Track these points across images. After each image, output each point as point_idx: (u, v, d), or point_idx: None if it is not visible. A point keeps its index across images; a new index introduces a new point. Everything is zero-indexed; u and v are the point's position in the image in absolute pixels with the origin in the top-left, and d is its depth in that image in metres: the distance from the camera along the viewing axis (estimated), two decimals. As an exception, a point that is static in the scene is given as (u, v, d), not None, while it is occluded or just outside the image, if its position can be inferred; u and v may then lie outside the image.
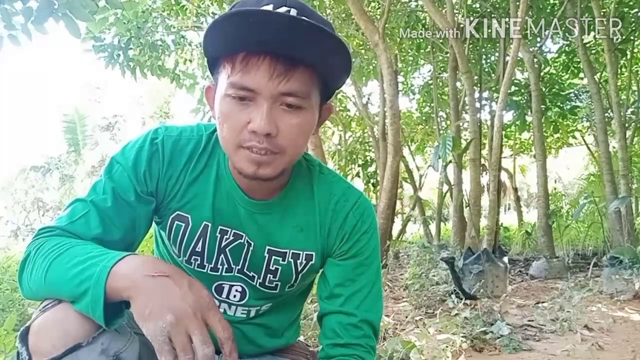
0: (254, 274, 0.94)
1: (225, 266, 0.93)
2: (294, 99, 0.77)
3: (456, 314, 2.87)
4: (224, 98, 0.78)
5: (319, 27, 0.72)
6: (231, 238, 0.91)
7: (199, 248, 0.91)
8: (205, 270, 0.93)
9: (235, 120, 0.77)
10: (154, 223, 0.94)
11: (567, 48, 7.95)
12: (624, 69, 7.74)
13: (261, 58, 0.75)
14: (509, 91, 5.97)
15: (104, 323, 0.67)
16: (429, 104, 9.13)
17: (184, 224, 0.90)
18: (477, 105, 6.39)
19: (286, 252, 0.92)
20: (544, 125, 7.51)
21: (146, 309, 0.65)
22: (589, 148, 10.48)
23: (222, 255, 0.92)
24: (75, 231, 0.79)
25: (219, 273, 0.94)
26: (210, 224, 0.90)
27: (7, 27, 3.20)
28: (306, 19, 0.73)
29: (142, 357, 0.76)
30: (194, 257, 0.92)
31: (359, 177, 9.31)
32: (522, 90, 7.91)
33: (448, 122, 8.20)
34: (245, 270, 0.94)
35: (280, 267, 0.93)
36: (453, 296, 3.32)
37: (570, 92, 8.67)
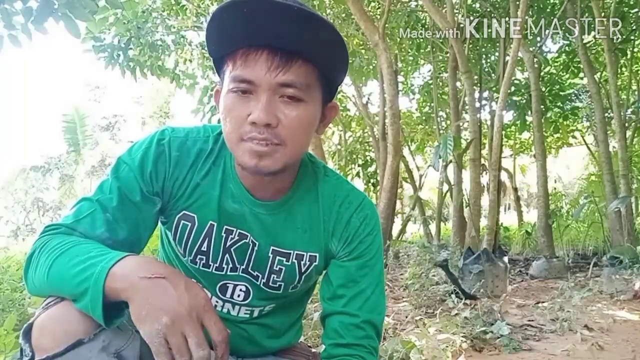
0: (258, 274, 0.94)
1: (230, 265, 0.94)
2: (293, 90, 0.78)
3: (456, 314, 2.87)
4: (226, 94, 0.80)
5: (310, 12, 0.73)
6: (236, 238, 0.91)
7: (204, 247, 0.92)
8: (210, 270, 0.94)
9: (236, 114, 0.78)
10: (160, 224, 0.94)
11: (567, 48, 7.96)
12: (624, 69, 7.75)
13: (260, 51, 0.77)
14: (509, 91, 5.98)
15: (104, 322, 0.68)
16: (429, 104, 9.13)
17: (190, 224, 0.90)
18: (477, 105, 6.40)
19: (290, 253, 0.93)
20: (543, 125, 7.51)
21: (142, 311, 0.65)
22: (589, 148, 10.49)
23: (227, 255, 0.92)
24: (81, 230, 0.80)
25: (223, 272, 0.94)
26: (215, 224, 0.90)
27: (7, 27, 3.20)
28: (296, 5, 0.73)
29: (143, 355, 0.76)
30: (199, 256, 0.93)
31: (359, 177, 9.32)
32: (522, 90, 7.92)
33: (448, 122, 8.21)
34: (249, 270, 0.94)
35: (284, 268, 0.94)
36: (453, 296, 3.32)
37: (571, 92, 8.68)
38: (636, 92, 7.93)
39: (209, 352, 0.67)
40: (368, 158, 9.42)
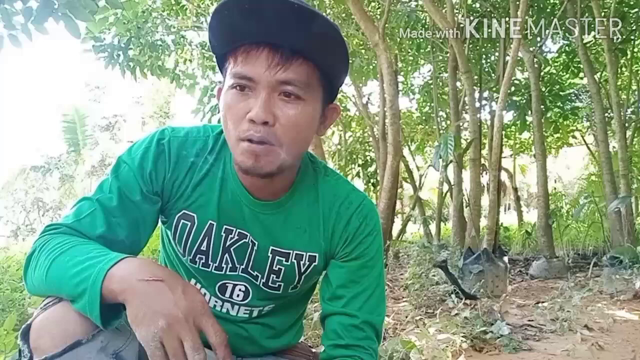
0: (258, 274, 0.94)
1: (230, 265, 0.93)
2: (293, 88, 0.77)
3: (456, 314, 2.87)
4: (227, 91, 0.80)
5: (312, 10, 0.73)
6: (236, 237, 0.91)
7: (204, 247, 0.92)
8: (209, 269, 0.94)
9: (236, 111, 0.79)
10: (160, 224, 0.94)
11: (567, 48, 7.96)
12: (624, 69, 7.74)
13: (260, 48, 0.77)
14: (509, 91, 5.98)
15: (101, 324, 0.67)
16: (429, 104, 9.13)
17: (189, 223, 0.90)
18: (477, 105, 6.39)
19: (289, 253, 0.93)
20: (543, 125, 7.51)
21: (139, 314, 0.65)
22: (589, 148, 10.49)
23: (226, 255, 0.92)
24: (81, 229, 0.80)
25: (223, 272, 0.94)
26: (215, 223, 0.90)
27: (7, 27, 3.20)
28: (297, 3, 0.73)
29: (142, 356, 0.76)
30: (198, 255, 0.93)
31: (359, 177, 9.32)
32: (522, 90, 7.91)
33: (448, 122, 8.20)
34: (249, 269, 0.94)
35: (283, 268, 0.93)
36: (453, 296, 3.32)
37: (571, 92, 8.67)
38: (636, 92, 7.93)
39: (205, 356, 0.66)
40: (368, 158, 9.42)
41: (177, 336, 0.65)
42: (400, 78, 8.56)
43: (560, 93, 8.22)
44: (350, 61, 6.96)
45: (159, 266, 0.73)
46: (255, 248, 0.92)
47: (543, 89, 7.56)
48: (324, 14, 0.84)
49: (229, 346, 0.70)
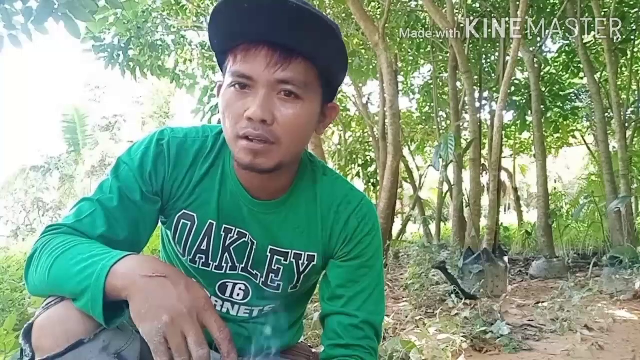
0: (257, 273, 0.95)
1: (230, 264, 0.94)
2: (291, 87, 0.77)
3: (456, 314, 2.87)
4: (226, 89, 0.80)
5: (309, 9, 0.73)
6: (235, 237, 0.92)
7: (204, 246, 0.92)
8: (209, 269, 0.94)
9: (234, 109, 0.79)
10: (160, 224, 0.95)
11: (567, 48, 7.95)
12: (624, 69, 7.74)
13: (260, 47, 0.77)
14: (509, 91, 5.97)
15: (104, 321, 0.68)
16: (429, 104, 9.13)
17: (190, 223, 0.91)
18: (477, 105, 6.39)
19: (288, 252, 0.93)
20: (543, 125, 7.51)
21: (142, 309, 0.65)
22: (589, 148, 10.48)
23: (226, 254, 0.93)
24: (82, 230, 0.80)
25: (223, 271, 0.94)
26: (215, 223, 0.91)
27: (7, 27, 3.20)
28: (296, 2, 0.73)
29: (144, 356, 0.76)
30: (198, 255, 0.93)
31: (359, 177, 9.31)
32: (522, 90, 7.91)
33: (448, 122, 8.20)
34: (248, 268, 0.94)
35: (282, 267, 0.94)
36: (453, 296, 3.32)
37: (571, 92, 8.67)
38: (636, 92, 7.92)
39: (208, 352, 0.67)
40: (368, 158, 9.41)
41: (181, 331, 0.65)
42: (400, 78, 8.55)
43: (560, 93, 8.22)
44: (350, 61, 7.02)
45: (161, 263, 0.73)
46: (255, 247, 0.92)
47: (543, 89, 7.57)
48: (323, 13, 0.84)
49: (233, 342, 0.70)
